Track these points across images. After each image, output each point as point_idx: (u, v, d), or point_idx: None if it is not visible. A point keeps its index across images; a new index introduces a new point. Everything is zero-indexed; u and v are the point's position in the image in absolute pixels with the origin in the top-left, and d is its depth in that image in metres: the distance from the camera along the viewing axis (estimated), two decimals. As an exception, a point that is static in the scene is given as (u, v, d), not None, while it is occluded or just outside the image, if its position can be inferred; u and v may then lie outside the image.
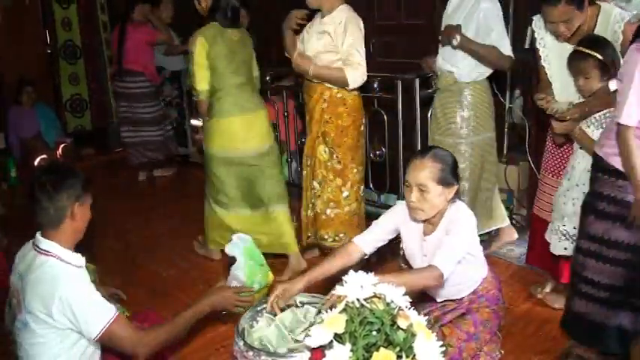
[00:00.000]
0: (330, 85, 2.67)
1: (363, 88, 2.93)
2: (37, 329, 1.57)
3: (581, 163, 2.26)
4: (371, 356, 1.20)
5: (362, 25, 2.64)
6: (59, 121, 5.55)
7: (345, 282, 1.30)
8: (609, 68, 2.07)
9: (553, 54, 2.34)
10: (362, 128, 2.82)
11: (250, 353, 1.58)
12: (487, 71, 2.65)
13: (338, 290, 1.32)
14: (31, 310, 1.56)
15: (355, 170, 2.76)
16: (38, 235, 1.64)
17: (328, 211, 2.71)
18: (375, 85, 3.15)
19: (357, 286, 1.28)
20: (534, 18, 2.34)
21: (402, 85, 3.06)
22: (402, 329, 1.25)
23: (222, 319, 1.88)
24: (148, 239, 3.56)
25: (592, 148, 2.07)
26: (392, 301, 1.27)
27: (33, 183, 1.62)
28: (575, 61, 2.14)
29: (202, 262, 3.17)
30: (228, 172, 2.88)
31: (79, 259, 1.65)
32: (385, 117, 3.23)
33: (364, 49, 2.62)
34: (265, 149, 2.90)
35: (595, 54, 2.07)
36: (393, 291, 1.29)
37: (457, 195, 1.83)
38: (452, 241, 1.73)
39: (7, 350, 1.86)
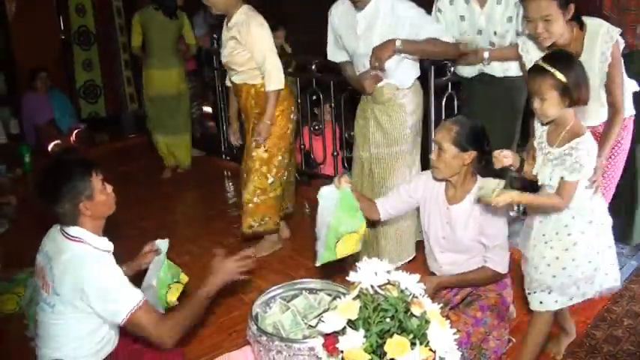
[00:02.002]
0: (253, 82, 2.79)
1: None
2: (64, 311, 1.61)
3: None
4: (384, 343, 1.21)
5: (263, 21, 2.73)
6: (73, 108, 5.61)
7: (359, 269, 1.31)
8: (571, 93, 1.68)
9: None
10: (292, 116, 2.91)
11: (264, 338, 1.60)
12: (418, 72, 2.52)
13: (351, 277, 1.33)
14: (60, 293, 1.59)
15: (281, 157, 2.87)
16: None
17: (255, 199, 2.82)
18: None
19: (371, 273, 1.29)
20: (519, 41, 2.15)
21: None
22: (415, 316, 1.25)
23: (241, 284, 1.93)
24: (163, 226, 3.60)
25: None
26: (406, 289, 1.28)
27: (35, 189, 1.65)
28: (531, 77, 1.75)
29: (215, 247, 3.18)
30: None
31: (107, 244, 1.69)
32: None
33: (272, 44, 2.73)
34: None
35: (555, 72, 1.67)
36: (406, 278, 1.29)
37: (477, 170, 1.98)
38: (499, 237, 1.95)
39: (21, 334, 1.92)
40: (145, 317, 1.60)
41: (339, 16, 2.49)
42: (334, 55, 2.63)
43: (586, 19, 1.97)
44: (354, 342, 1.22)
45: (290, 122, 2.89)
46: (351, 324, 1.26)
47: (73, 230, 1.64)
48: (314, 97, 3.89)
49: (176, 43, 4.35)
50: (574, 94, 1.68)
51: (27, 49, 5.36)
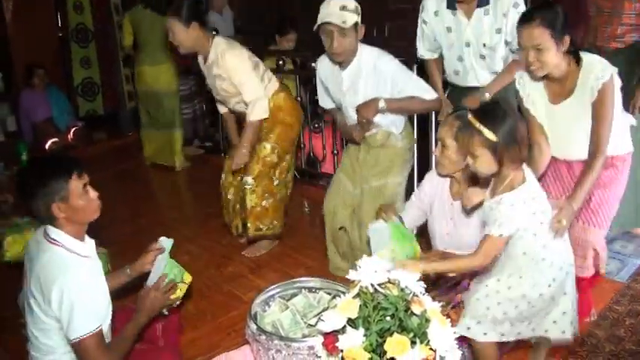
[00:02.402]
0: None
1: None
2: (40, 315, 1.59)
3: None
4: (384, 342, 1.21)
5: (237, 49, 2.72)
6: (71, 105, 5.59)
7: (359, 267, 1.30)
8: (501, 152, 1.54)
9: (542, 114, 2.05)
10: (303, 121, 3.07)
11: (263, 337, 1.59)
12: (405, 118, 2.54)
13: (352, 274, 1.32)
14: (33, 296, 1.58)
15: (287, 159, 2.95)
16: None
17: (264, 203, 2.83)
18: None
19: (371, 271, 1.28)
20: (516, 75, 2.11)
21: (418, 69, 3.02)
22: (416, 315, 1.25)
23: (166, 312, 1.91)
24: (160, 224, 3.59)
25: None
26: (406, 287, 1.27)
27: (15, 182, 1.64)
28: (459, 131, 1.65)
29: (213, 246, 3.20)
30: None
31: (86, 249, 1.65)
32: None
33: (250, 73, 2.71)
34: None
35: (482, 129, 1.53)
36: (407, 276, 1.29)
37: None
38: None
39: (19, 332, 1.90)
40: (94, 348, 1.57)
41: (324, 69, 2.54)
42: (324, 101, 2.68)
43: (583, 55, 1.92)
44: (353, 341, 1.22)
45: (301, 128, 2.99)
46: (351, 323, 1.26)
47: (53, 232, 1.61)
48: (316, 97, 3.87)
49: (164, 40, 4.31)
50: (504, 154, 1.53)
51: (24, 46, 5.35)
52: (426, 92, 2.37)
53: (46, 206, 1.57)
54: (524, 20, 1.84)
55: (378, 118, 2.39)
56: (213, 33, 2.76)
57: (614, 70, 1.87)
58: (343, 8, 2.23)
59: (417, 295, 1.27)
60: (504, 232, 1.57)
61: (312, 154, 4.01)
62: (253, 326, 1.64)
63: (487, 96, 2.41)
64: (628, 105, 2.56)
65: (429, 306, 1.28)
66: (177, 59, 4.58)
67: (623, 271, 2.60)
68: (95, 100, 6.01)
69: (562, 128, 2.00)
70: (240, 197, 2.89)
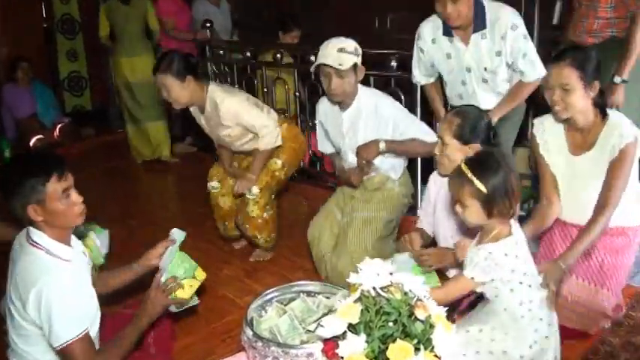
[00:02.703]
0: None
1: (378, 67, 2.92)
2: (20, 321, 1.59)
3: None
4: (387, 348, 1.21)
5: (234, 93, 2.80)
6: (57, 100, 5.59)
7: (360, 269, 1.31)
8: (491, 205, 1.56)
9: (558, 165, 2.05)
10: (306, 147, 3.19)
11: (259, 344, 1.60)
12: (404, 164, 2.62)
13: (352, 278, 1.33)
14: (12, 301, 1.58)
15: (287, 176, 3.04)
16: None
17: (265, 215, 2.88)
18: (392, 64, 3.13)
19: (373, 274, 1.28)
20: (535, 121, 2.13)
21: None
22: (420, 320, 1.26)
23: (175, 313, 1.92)
24: (153, 224, 3.59)
25: None
26: (410, 291, 1.28)
27: None
28: (450, 180, 1.67)
29: (208, 248, 3.20)
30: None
31: (69, 252, 1.64)
32: (402, 97, 3.21)
33: (252, 109, 2.76)
34: None
35: (473, 179, 1.56)
36: (410, 280, 1.29)
37: None
38: None
39: (1, 338, 1.90)
40: (81, 353, 1.56)
41: (325, 111, 2.62)
42: (323, 146, 2.75)
43: (610, 112, 1.95)
44: (355, 347, 1.22)
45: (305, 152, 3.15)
46: (352, 328, 1.26)
47: (34, 234, 1.61)
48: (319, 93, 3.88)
49: (142, 30, 4.62)
50: (494, 207, 1.55)
51: (7, 38, 5.34)
52: (427, 135, 2.43)
53: (22, 208, 1.56)
54: (555, 58, 1.88)
55: (377, 161, 2.47)
56: (208, 83, 2.79)
57: (638, 131, 1.89)
58: (341, 50, 2.31)
59: (421, 300, 1.28)
60: (476, 277, 1.58)
61: (311, 152, 4.01)
62: (249, 332, 1.64)
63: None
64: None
65: (433, 311, 1.29)
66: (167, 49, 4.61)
67: (638, 275, 2.60)
68: (82, 94, 6.02)
69: (579, 183, 2.00)
70: (237, 205, 2.95)
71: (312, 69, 2.41)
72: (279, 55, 3.80)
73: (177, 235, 1.88)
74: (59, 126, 5.25)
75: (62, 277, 1.57)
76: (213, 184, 2.98)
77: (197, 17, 4.71)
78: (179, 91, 2.66)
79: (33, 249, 1.59)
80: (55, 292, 1.54)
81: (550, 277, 1.73)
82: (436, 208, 2.17)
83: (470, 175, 1.56)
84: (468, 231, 1.98)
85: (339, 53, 2.30)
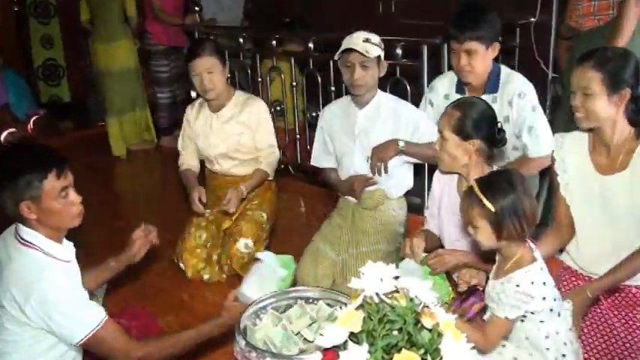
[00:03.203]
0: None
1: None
2: (10, 326, 1.60)
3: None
4: (391, 359, 1.22)
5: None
6: (30, 91, 5.58)
7: (362, 274, 1.32)
8: (501, 226, 1.60)
9: (576, 184, 1.93)
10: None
11: (253, 354, 1.61)
12: (410, 184, 2.66)
13: (356, 283, 1.34)
14: (5, 306, 1.58)
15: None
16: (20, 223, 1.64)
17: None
18: (397, 51, 3.15)
19: (376, 280, 1.29)
20: (556, 135, 2.06)
21: (428, 51, 3.05)
22: (426, 329, 1.26)
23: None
24: (136, 225, 3.60)
25: None
26: (416, 297, 1.29)
27: None
28: (463, 200, 1.71)
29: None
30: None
31: (66, 252, 1.66)
32: (408, 87, 3.23)
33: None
34: None
35: (482, 198, 1.61)
36: (416, 285, 1.30)
37: (492, 159, 2.05)
38: None
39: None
40: (109, 338, 1.60)
41: (334, 113, 2.65)
42: (320, 160, 2.77)
43: None
44: (356, 358, 1.23)
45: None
46: (354, 337, 1.27)
47: (26, 233, 1.61)
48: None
49: (121, 15, 4.69)
50: (503, 229, 1.59)
51: (-25, 24, 5.34)
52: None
53: (14, 203, 1.57)
54: (580, 59, 1.81)
55: (389, 168, 2.47)
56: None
57: None
58: (367, 40, 2.38)
59: (427, 307, 1.29)
60: (511, 315, 1.62)
61: (309, 147, 4.03)
62: (242, 342, 1.65)
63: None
64: None
65: (441, 318, 1.30)
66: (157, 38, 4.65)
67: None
68: (59, 84, 6.00)
69: (611, 209, 1.86)
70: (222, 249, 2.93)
71: (336, 57, 2.46)
72: (274, 43, 3.81)
73: (268, 258, 2.04)
74: (33, 118, 5.23)
75: (63, 277, 1.59)
76: (249, 243, 2.83)
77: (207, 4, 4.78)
78: (221, 76, 2.79)
79: (26, 249, 1.60)
80: (59, 291, 1.56)
81: (577, 306, 1.76)
82: (441, 209, 2.19)
83: (479, 194, 1.61)
84: (474, 243, 1.99)
85: (365, 43, 2.37)
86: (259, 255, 2.14)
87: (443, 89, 2.55)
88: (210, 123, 2.90)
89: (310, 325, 1.78)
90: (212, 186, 3.02)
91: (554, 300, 1.66)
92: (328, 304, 1.84)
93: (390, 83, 3.25)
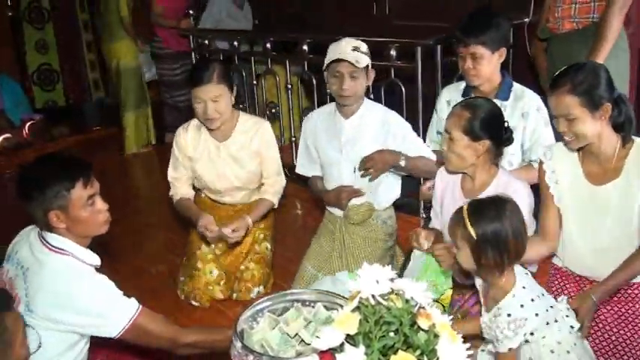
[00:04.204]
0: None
1: (377, 56, 2.94)
2: (37, 328, 1.60)
3: None
4: (388, 360, 1.23)
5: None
6: (25, 96, 5.58)
7: (358, 276, 1.32)
8: (478, 253, 1.60)
9: (569, 195, 1.93)
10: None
11: (250, 358, 1.61)
12: (396, 195, 2.64)
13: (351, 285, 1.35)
14: (35, 310, 1.59)
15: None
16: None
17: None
18: (392, 52, 3.16)
19: (372, 281, 1.30)
20: (544, 148, 2.11)
21: (422, 52, 3.06)
22: (423, 330, 1.27)
23: None
24: (136, 232, 3.60)
25: None
26: (412, 298, 1.29)
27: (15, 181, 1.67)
28: (452, 216, 1.70)
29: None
30: None
31: (94, 258, 1.70)
32: (403, 88, 3.24)
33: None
34: None
35: (466, 221, 1.61)
36: (412, 286, 1.30)
37: (498, 158, 2.06)
38: None
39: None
40: (149, 324, 1.66)
41: (318, 122, 2.60)
42: (304, 168, 2.73)
43: (636, 139, 1.83)
44: (353, 360, 1.23)
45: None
46: (350, 339, 1.27)
47: (54, 239, 1.64)
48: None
49: (118, 16, 4.76)
50: (481, 257, 1.58)
51: (-31, 29, 5.34)
52: (431, 154, 2.48)
53: (44, 213, 1.61)
54: (552, 86, 1.79)
55: (376, 181, 2.47)
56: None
57: None
58: (356, 49, 2.35)
59: (424, 308, 1.29)
60: (514, 345, 1.61)
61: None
62: (239, 345, 1.65)
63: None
64: None
65: (437, 319, 1.30)
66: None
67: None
68: (54, 89, 6.00)
69: (601, 219, 1.87)
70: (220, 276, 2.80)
71: (323, 68, 2.43)
72: (268, 45, 3.83)
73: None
74: (28, 124, 5.24)
75: (96, 278, 1.64)
76: (262, 290, 2.74)
77: (214, 12, 4.84)
78: (228, 105, 2.54)
79: (58, 255, 1.63)
80: (96, 290, 1.60)
81: (582, 311, 1.76)
82: (442, 206, 2.19)
83: (465, 216, 1.60)
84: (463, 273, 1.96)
85: (355, 52, 2.34)
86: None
87: (446, 96, 2.53)
88: (216, 154, 2.65)
89: (306, 326, 1.78)
90: (214, 216, 2.67)
91: (547, 310, 1.65)
92: (325, 307, 1.84)
93: (385, 85, 3.26)
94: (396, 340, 1.25)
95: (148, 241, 3.50)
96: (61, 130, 5.65)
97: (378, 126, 2.47)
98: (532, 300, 1.62)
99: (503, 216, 1.59)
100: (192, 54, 4.51)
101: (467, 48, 2.28)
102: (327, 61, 2.39)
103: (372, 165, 2.42)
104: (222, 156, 2.64)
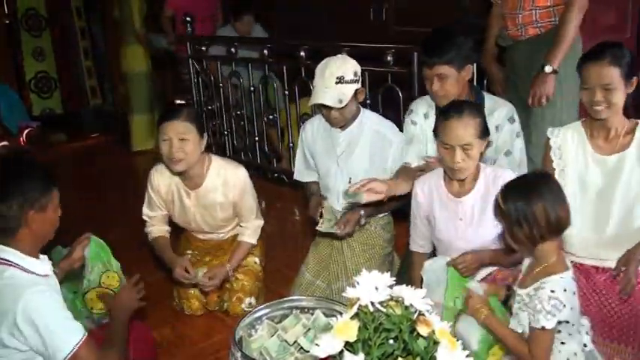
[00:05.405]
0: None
1: (374, 62, 2.95)
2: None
3: None
4: (387, 367, 1.22)
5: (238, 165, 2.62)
6: (22, 103, 5.57)
7: (357, 283, 1.32)
8: (512, 228, 1.66)
9: (573, 168, 2.04)
10: None
11: (249, 366, 1.61)
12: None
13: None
14: None
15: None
16: None
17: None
18: (389, 58, 3.17)
19: (371, 288, 1.29)
20: (554, 128, 2.13)
21: (419, 58, 3.06)
22: (422, 337, 1.26)
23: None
24: (133, 238, 3.58)
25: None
26: (411, 305, 1.28)
27: None
28: (493, 202, 1.76)
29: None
30: None
31: (44, 267, 1.64)
32: (400, 94, 3.25)
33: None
34: None
35: (500, 201, 1.68)
36: (411, 293, 1.30)
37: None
38: None
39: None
40: (87, 355, 1.58)
41: (315, 131, 2.57)
42: (302, 174, 2.71)
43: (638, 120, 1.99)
44: (352, 367, 1.23)
45: None
46: (349, 347, 1.27)
47: (3, 252, 1.59)
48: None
49: (130, 22, 4.94)
50: (513, 230, 1.64)
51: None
52: (413, 161, 2.43)
53: (21, 212, 1.57)
54: (594, 57, 1.91)
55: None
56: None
57: None
58: (340, 80, 2.27)
59: (423, 314, 1.29)
60: (547, 324, 1.59)
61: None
62: (238, 353, 1.65)
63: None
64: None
65: (437, 326, 1.30)
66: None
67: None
68: (52, 96, 6.00)
69: (607, 191, 1.97)
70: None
71: (308, 104, 2.41)
72: (265, 52, 3.84)
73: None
74: (26, 131, 5.23)
75: (44, 292, 1.57)
76: (252, 302, 2.68)
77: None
78: (196, 148, 2.40)
79: (3, 267, 1.57)
80: (42, 308, 1.54)
81: (632, 269, 1.85)
82: (435, 214, 2.16)
83: (499, 194, 1.67)
84: (482, 232, 2.05)
85: (339, 85, 2.27)
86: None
87: (422, 109, 2.47)
88: (187, 200, 2.57)
89: (305, 333, 1.78)
90: (192, 247, 2.73)
91: (576, 313, 1.67)
92: (324, 314, 1.84)
93: (382, 90, 3.27)
94: (396, 347, 1.24)
95: (144, 248, 3.49)
96: (58, 138, 5.66)
97: (373, 137, 2.43)
98: (573, 293, 1.63)
99: (532, 190, 1.63)
100: (190, 60, 4.51)
101: (432, 70, 2.25)
102: (311, 101, 2.35)
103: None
104: (193, 204, 2.57)
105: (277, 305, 1.92)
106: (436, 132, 2.06)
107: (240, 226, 2.67)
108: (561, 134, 2.07)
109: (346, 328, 1.26)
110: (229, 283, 2.70)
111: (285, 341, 1.75)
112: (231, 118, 4.47)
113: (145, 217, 2.70)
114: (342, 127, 2.46)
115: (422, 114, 2.47)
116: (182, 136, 2.34)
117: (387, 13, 3.81)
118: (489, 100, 2.37)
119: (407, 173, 2.35)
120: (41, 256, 1.70)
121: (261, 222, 2.69)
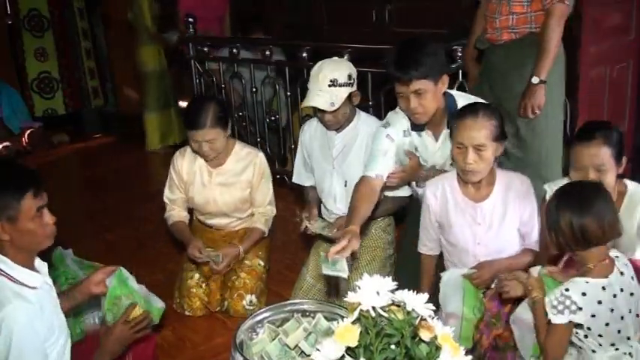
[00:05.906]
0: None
1: (376, 63, 2.94)
2: None
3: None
4: (389, 373, 1.21)
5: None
6: (25, 104, 5.57)
7: (359, 287, 1.31)
8: (555, 232, 1.70)
9: None
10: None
11: (250, 370, 1.60)
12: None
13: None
14: None
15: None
16: None
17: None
18: (391, 59, 3.15)
19: (373, 293, 1.28)
20: (545, 186, 2.10)
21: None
22: (424, 342, 1.26)
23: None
24: (134, 239, 3.59)
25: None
26: (413, 310, 1.28)
27: None
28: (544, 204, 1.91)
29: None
30: None
31: (35, 279, 1.58)
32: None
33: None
34: None
35: (547, 202, 1.79)
36: (413, 298, 1.29)
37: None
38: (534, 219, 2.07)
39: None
40: None
41: (312, 133, 2.59)
42: (301, 177, 2.73)
43: (627, 182, 1.99)
44: (354, 373, 1.22)
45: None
46: (351, 352, 1.26)
47: None
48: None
49: (143, 22, 5.01)
50: (558, 235, 1.67)
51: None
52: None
53: None
54: (585, 138, 1.89)
55: None
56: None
57: None
58: (333, 83, 2.28)
59: (425, 320, 1.28)
60: (554, 319, 1.64)
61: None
62: (239, 357, 1.64)
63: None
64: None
65: (439, 331, 1.29)
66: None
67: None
68: (54, 97, 6.00)
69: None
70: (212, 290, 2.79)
71: (301, 107, 2.43)
72: (267, 52, 3.83)
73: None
74: (28, 132, 5.23)
75: (26, 309, 1.51)
76: (253, 300, 2.70)
77: None
78: (223, 142, 2.56)
79: None
80: (24, 327, 1.48)
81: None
82: (450, 219, 2.13)
83: (547, 199, 1.76)
84: (502, 236, 2.08)
85: (332, 88, 2.28)
86: None
87: (401, 125, 2.29)
88: (208, 179, 2.70)
89: (307, 337, 1.77)
90: (204, 239, 2.75)
91: (599, 321, 1.65)
92: (325, 317, 1.83)
93: (384, 92, 3.26)
94: (398, 352, 1.23)
95: (144, 249, 3.49)
96: (60, 138, 5.67)
97: (369, 140, 2.40)
98: (599, 302, 1.63)
99: (568, 199, 1.66)
100: (192, 62, 4.50)
101: (409, 86, 2.08)
102: (303, 104, 2.37)
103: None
104: (214, 182, 2.68)
105: (278, 309, 1.91)
106: (451, 133, 2.05)
107: (253, 214, 2.75)
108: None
109: (347, 333, 1.25)
110: (231, 282, 2.71)
111: (286, 345, 1.74)
112: (233, 119, 4.46)
113: (165, 200, 2.80)
114: (338, 130, 2.47)
115: (401, 131, 2.30)
116: (211, 141, 2.50)
117: (390, 14, 3.80)
118: (460, 98, 2.25)
119: (364, 196, 2.17)
120: (39, 264, 1.65)
121: (274, 212, 2.77)
